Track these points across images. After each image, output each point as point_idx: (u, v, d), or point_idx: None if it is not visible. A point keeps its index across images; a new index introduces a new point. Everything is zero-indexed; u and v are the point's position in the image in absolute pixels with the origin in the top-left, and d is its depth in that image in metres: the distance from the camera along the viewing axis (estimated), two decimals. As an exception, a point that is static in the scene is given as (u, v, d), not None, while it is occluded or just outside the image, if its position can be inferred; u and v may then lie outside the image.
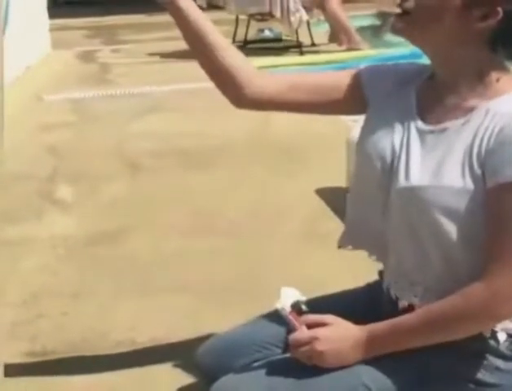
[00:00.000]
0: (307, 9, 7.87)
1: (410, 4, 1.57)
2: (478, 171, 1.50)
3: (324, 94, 1.80)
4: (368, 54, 7.34)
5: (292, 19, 7.67)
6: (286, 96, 1.82)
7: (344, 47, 7.81)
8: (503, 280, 1.48)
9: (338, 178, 3.65)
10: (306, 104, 1.83)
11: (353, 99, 1.79)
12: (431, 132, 1.61)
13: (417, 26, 1.58)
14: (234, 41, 7.99)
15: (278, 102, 1.84)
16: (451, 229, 1.53)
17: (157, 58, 7.84)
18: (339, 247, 1.84)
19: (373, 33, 7.84)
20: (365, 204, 1.73)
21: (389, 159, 1.64)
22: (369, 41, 7.87)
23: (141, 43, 8.77)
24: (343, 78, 1.81)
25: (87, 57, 8.06)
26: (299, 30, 7.86)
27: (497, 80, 1.57)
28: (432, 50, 1.63)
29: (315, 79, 1.85)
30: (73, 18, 10.49)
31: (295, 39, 7.93)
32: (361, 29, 8.06)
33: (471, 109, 1.57)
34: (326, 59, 7.26)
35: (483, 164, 1.50)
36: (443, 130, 1.58)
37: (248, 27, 8.26)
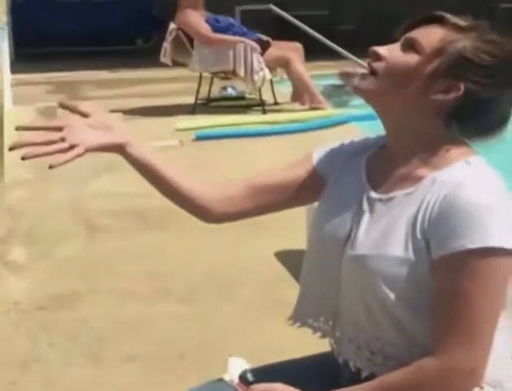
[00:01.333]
0: (271, 68, 7.92)
1: (380, 65, 1.57)
2: (421, 242, 1.49)
3: (285, 192, 1.79)
4: (330, 113, 7.38)
5: (255, 77, 7.70)
6: (250, 207, 1.81)
7: (307, 107, 7.85)
8: (456, 354, 1.46)
9: (299, 241, 3.60)
10: (272, 206, 1.82)
11: (313, 186, 1.77)
12: (380, 201, 1.60)
13: (381, 88, 1.57)
14: (197, 98, 7.98)
15: (245, 214, 1.84)
16: (397, 298, 1.51)
17: (119, 115, 7.78)
18: (290, 321, 1.79)
19: (336, 93, 7.87)
20: (320, 278, 1.69)
21: (340, 231, 1.63)
22: (332, 101, 7.91)
23: (103, 99, 8.73)
24: (298, 169, 1.79)
25: (49, 113, 7.99)
26: (262, 89, 7.89)
27: (448, 150, 1.57)
28: (388, 115, 1.61)
29: (273, 179, 1.81)
30: (36, 73, 10.45)
31: (258, 97, 7.95)
32: (324, 89, 8.11)
33: (419, 179, 1.56)
34: (289, 119, 7.30)
35: (426, 234, 1.49)
36: (391, 199, 1.58)
37: (211, 85, 8.27)
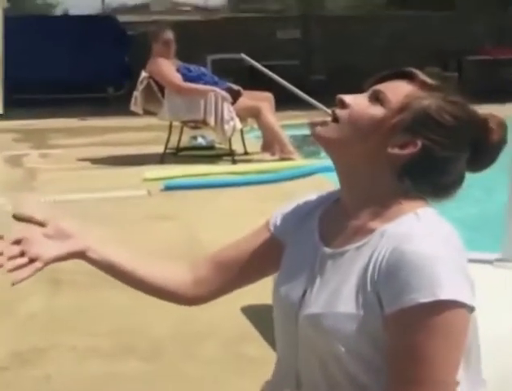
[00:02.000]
0: (241, 117, 7.91)
1: (344, 113, 1.57)
2: (373, 297, 1.47)
3: (249, 265, 1.78)
4: (300, 164, 7.36)
5: (226, 127, 7.68)
6: (220, 285, 1.81)
7: (277, 157, 7.82)
8: None
9: (266, 295, 3.52)
10: (241, 281, 1.82)
11: (274, 253, 1.74)
12: (332, 256, 1.58)
13: (340, 136, 1.56)
14: (166, 148, 7.94)
15: (217, 293, 1.82)
16: (351, 355, 1.49)
17: (88, 163, 7.75)
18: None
19: (306, 144, 7.87)
20: (282, 341, 1.67)
21: (295, 291, 1.61)
22: (302, 152, 7.90)
23: (72, 148, 8.67)
24: (257, 239, 1.78)
25: (14, 162, 7.92)
26: (232, 138, 7.87)
27: (400, 203, 1.55)
28: (344, 164, 1.60)
29: (236, 253, 1.80)
30: (4, 120, 10.36)
31: (228, 147, 7.93)
32: (294, 139, 8.10)
33: (369, 232, 1.54)
34: (258, 169, 7.27)
35: (377, 290, 1.47)
36: (343, 254, 1.56)
37: (181, 134, 8.24)
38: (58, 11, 30.50)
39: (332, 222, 1.64)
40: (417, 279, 1.42)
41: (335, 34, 16.24)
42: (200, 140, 8.59)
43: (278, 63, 13.69)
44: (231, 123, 7.70)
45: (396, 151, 1.53)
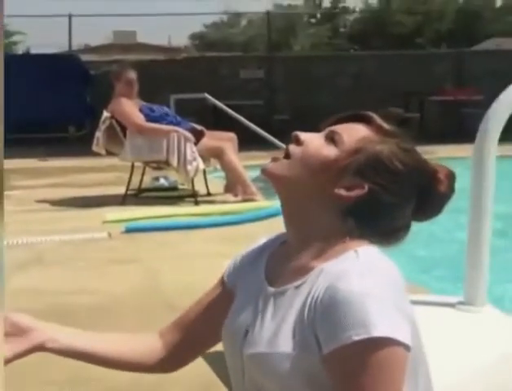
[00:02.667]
0: (204, 158, 7.85)
1: (298, 150, 1.58)
2: (310, 336, 1.45)
3: (212, 323, 1.75)
4: (263, 205, 7.29)
5: (188, 167, 7.61)
6: (190, 349, 1.80)
7: (239, 198, 7.76)
8: None
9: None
10: (208, 341, 1.80)
11: (232, 303, 1.72)
12: (274, 295, 1.58)
13: (289, 172, 1.56)
14: (128, 189, 7.84)
15: (189, 357, 1.81)
16: None
17: (47, 205, 7.62)
18: None
19: (269, 185, 7.82)
20: (233, 380, 1.67)
21: (239, 332, 1.61)
22: (265, 193, 7.84)
23: (32, 189, 8.54)
24: (214, 292, 1.78)
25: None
26: (195, 179, 7.79)
27: (344, 242, 1.55)
28: (290, 201, 1.59)
29: (197, 312, 1.79)
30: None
31: (191, 188, 7.84)
32: (257, 180, 8.04)
33: (309, 270, 1.54)
34: (221, 210, 7.20)
35: (314, 328, 1.45)
36: (283, 293, 1.56)
37: (143, 175, 8.15)
38: (20, 50, 30.38)
39: (277, 262, 1.63)
40: (350, 317, 1.40)
41: (299, 74, 16.34)
42: (162, 181, 8.51)
43: (241, 102, 13.74)
44: (194, 163, 7.63)
45: (343, 192, 1.54)
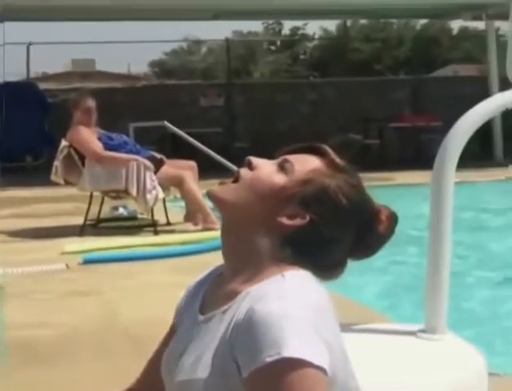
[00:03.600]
0: (164, 187, 7.79)
1: (248, 174, 1.59)
2: (229, 360, 1.45)
3: None
4: (223, 234, 7.24)
5: (148, 196, 7.54)
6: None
7: (200, 227, 7.69)
8: None
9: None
10: None
11: None
12: (204, 322, 1.58)
13: (235, 198, 1.57)
14: (86, 219, 7.73)
15: None
16: None
17: (3, 236, 7.50)
18: None
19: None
20: None
21: (174, 359, 1.61)
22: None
23: (-11, 220, 8.40)
24: (166, 335, 1.78)
25: None
26: (155, 208, 7.72)
27: (277, 266, 1.55)
28: (232, 226, 1.59)
29: (162, 348, 1.77)
30: None
31: (150, 218, 7.77)
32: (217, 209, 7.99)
33: (236, 295, 1.54)
34: (181, 240, 7.14)
35: (235, 352, 1.44)
36: (211, 319, 1.56)
37: (101, 204, 8.05)
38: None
39: (212, 292, 1.64)
40: (265, 339, 1.40)
41: (259, 101, 16.37)
42: (121, 210, 8.43)
43: (202, 130, 13.72)
44: (154, 192, 7.57)
45: (284, 220, 1.55)
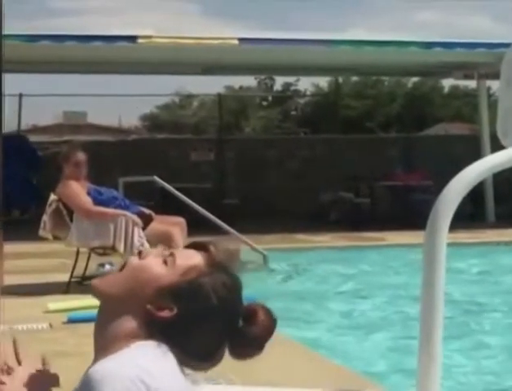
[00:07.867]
0: (152, 243, 7.66)
1: (135, 262, 1.67)
2: None
3: None
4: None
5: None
6: None
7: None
8: None
9: None
10: None
11: None
12: None
13: (113, 284, 1.65)
14: (72, 276, 7.59)
15: None
16: None
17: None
18: None
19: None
20: None
21: None
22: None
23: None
24: None
25: None
26: (142, 265, 7.57)
27: (127, 342, 1.59)
28: (106, 308, 1.66)
29: None
30: None
31: (137, 275, 7.62)
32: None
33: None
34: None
35: None
36: None
37: (88, 261, 7.91)
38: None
39: None
40: None
41: (249, 157, 16.34)
42: (107, 267, 8.28)
43: (192, 185, 13.62)
44: (141, 249, 7.43)
45: (152, 309, 1.62)
